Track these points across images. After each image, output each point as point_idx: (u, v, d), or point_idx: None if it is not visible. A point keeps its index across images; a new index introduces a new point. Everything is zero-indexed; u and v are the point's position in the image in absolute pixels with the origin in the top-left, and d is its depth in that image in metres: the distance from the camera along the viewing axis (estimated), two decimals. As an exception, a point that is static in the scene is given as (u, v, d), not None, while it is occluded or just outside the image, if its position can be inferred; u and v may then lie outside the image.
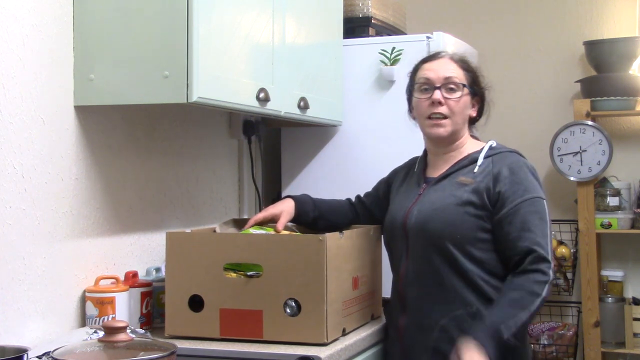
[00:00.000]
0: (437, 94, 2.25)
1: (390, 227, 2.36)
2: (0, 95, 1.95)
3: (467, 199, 2.18)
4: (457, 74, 2.28)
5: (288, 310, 2.15)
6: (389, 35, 3.13)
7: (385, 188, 2.52)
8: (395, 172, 2.52)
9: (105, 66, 2.14)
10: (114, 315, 2.17)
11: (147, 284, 2.34)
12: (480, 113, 2.37)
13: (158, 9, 2.08)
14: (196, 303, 2.20)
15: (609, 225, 3.71)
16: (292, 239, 2.25)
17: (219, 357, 2.05)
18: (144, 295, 2.31)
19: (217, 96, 2.16)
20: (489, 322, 2.05)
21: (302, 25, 2.67)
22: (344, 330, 2.25)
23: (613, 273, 3.83)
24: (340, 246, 2.23)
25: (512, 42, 4.06)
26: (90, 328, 2.04)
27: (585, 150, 3.69)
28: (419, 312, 2.24)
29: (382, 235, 2.45)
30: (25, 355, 1.63)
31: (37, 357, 1.81)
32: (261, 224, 2.42)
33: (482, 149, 2.29)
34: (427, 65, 2.32)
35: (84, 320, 2.20)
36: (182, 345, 2.05)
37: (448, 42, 2.87)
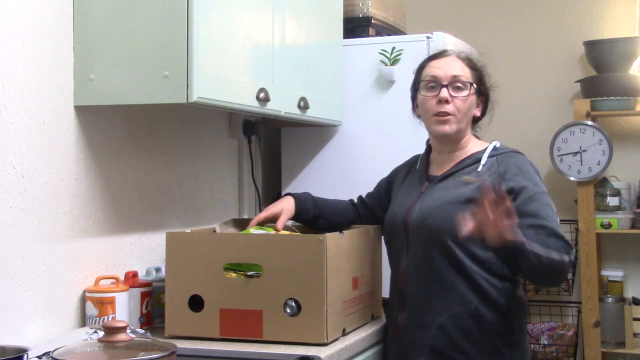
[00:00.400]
0: (444, 92, 2.24)
1: (390, 223, 2.36)
2: (0, 95, 1.95)
3: (469, 197, 2.17)
4: (464, 73, 2.27)
5: (288, 310, 2.15)
6: (389, 35, 3.13)
7: (387, 187, 2.52)
8: (396, 171, 2.52)
9: (105, 66, 2.14)
10: (114, 315, 2.17)
11: (147, 284, 2.34)
12: (483, 113, 2.36)
13: (158, 9, 2.08)
14: (196, 303, 2.20)
15: (609, 225, 3.71)
16: (292, 239, 2.25)
17: (219, 357, 2.05)
18: (144, 295, 2.31)
19: (217, 96, 2.16)
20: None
21: (302, 25, 2.67)
22: (344, 330, 2.25)
23: (613, 273, 3.84)
24: (340, 246, 2.23)
25: (512, 42, 4.07)
26: (90, 328, 2.04)
27: (585, 150, 3.69)
28: (418, 309, 2.24)
29: (383, 233, 2.44)
30: (25, 355, 1.63)
31: (37, 357, 1.81)
32: (262, 223, 2.42)
33: (486, 148, 2.29)
34: (434, 63, 2.31)
35: (84, 320, 2.20)
36: (182, 345, 2.05)
37: (448, 42, 2.87)
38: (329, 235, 2.15)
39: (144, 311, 2.31)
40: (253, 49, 2.35)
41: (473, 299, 2.17)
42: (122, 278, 2.28)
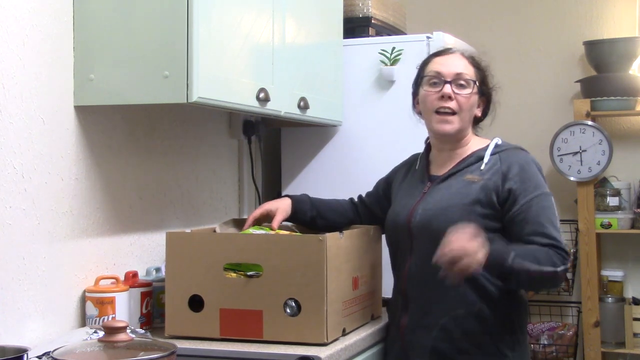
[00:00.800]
0: (448, 88, 2.22)
1: (393, 225, 2.35)
2: (0, 95, 1.95)
3: (474, 198, 2.17)
4: (468, 71, 2.26)
5: (288, 310, 2.15)
6: (389, 35, 3.13)
7: (386, 186, 2.51)
8: (395, 170, 2.51)
9: (105, 66, 2.14)
10: (114, 315, 2.17)
11: (147, 284, 2.34)
12: (485, 113, 2.35)
13: (158, 9, 2.08)
14: (196, 303, 2.20)
15: (609, 225, 3.71)
16: (292, 239, 2.25)
17: (219, 357, 2.05)
18: (144, 295, 2.31)
19: (217, 96, 2.16)
20: (501, 244, 2.07)
21: (302, 25, 2.67)
22: (344, 330, 2.25)
23: (613, 273, 3.84)
24: (340, 246, 2.23)
25: (512, 42, 4.07)
26: (90, 328, 2.04)
27: (585, 150, 3.69)
28: (420, 311, 2.23)
29: (384, 233, 2.43)
30: (25, 355, 1.63)
31: (37, 357, 1.81)
32: (259, 221, 2.42)
33: (488, 146, 2.27)
34: (438, 59, 2.30)
35: (84, 320, 2.20)
36: (182, 345, 2.05)
37: (448, 42, 2.87)
38: (329, 235, 2.15)
39: (144, 311, 2.31)
40: (253, 49, 2.35)
41: (476, 301, 2.16)
42: (122, 278, 2.28)
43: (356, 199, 2.60)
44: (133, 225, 2.44)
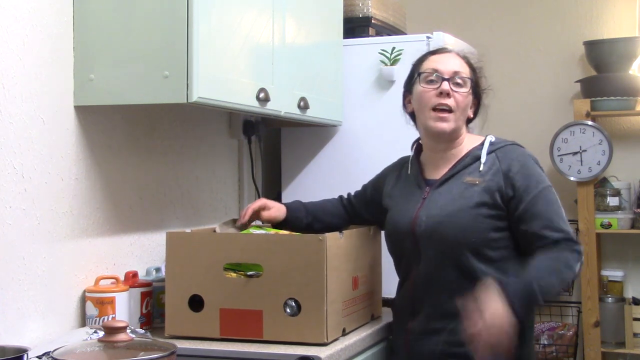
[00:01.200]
0: (446, 85, 2.20)
1: (394, 233, 2.31)
2: (0, 95, 1.95)
3: (479, 201, 2.15)
4: (465, 70, 2.25)
5: (288, 310, 2.15)
6: (389, 35, 3.13)
7: (374, 191, 2.47)
8: (383, 175, 2.47)
9: (105, 66, 2.14)
10: (114, 315, 2.17)
11: (147, 284, 2.34)
12: (475, 114, 2.34)
13: (158, 9, 2.08)
14: (196, 303, 2.20)
15: (609, 225, 3.71)
16: (292, 239, 2.25)
17: (219, 357, 2.05)
18: (144, 295, 2.31)
19: (217, 96, 2.16)
20: (522, 280, 2.05)
21: (302, 25, 2.67)
22: (344, 330, 2.25)
23: (613, 273, 3.83)
24: (340, 246, 2.23)
25: (512, 42, 4.06)
26: (90, 328, 2.04)
27: (585, 150, 3.69)
28: (429, 316, 2.21)
29: (386, 240, 2.39)
30: (25, 355, 1.63)
31: (37, 357, 1.81)
32: (257, 214, 2.41)
33: (482, 144, 2.25)
34: (434, 57, 2.28)
35: (84, 320, 2.20)
36: (182, 345, 2.05)
37: (448, 42, 2.87)
38: (329, 235, 2.15)
39: (144, 311, 2.31)
40: (253, 49, 2.35)
41: None
42: (122, 278, 2.28)
43: (345, 197, 2.57)
44: (133, 225, 2.44)
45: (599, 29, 3.95)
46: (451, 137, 2.26)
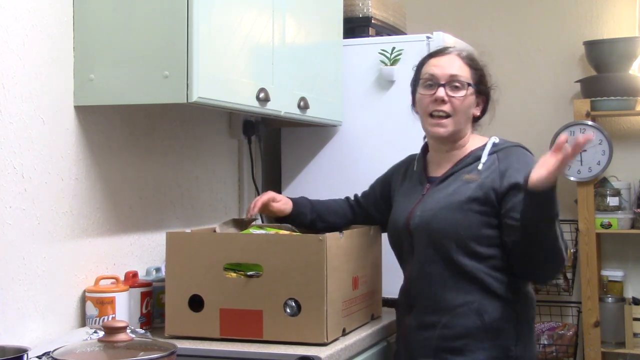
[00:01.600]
0: (441, 92, 2.21)
1: (393, 228, 2.34)
2: (0, 95, 1.95)
3: (471, 196, 2.16)
4: (463, 72, 2.24)
5: (288, 310, 2.15)
6: (389, 35, 3.13)
7: (383, 188, 2.50)
8: (392, 171, 2.50)
9: (105, 66, 2.14)
10: (114, 315, 2.17)
11: (147, 284, 2.34)
12: (483, 112, 2.33)
13: (158, 9, 2.08)
14: (196, 303, 2.20)
15: (609, 225, 3.71)
16: (292, 239, 2.25)
17: (219, 357, 2.05)
18: (144, 295, 2.31)
19: (217, 96, 2.16)
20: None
21: (302, 25, 2.67)
22: (344, 330, 2.25)
23: (613, 273, 3.84)
24: (340, 246, 2.23)
25: (512, 42, 4.06)
26: (90, 328, 2.04)
27: (585, 150, 3.68)
28: (423, 310, 2.23)
29: (388, 237, 2.41)
30: (25, 355, 1.63)
31: (37, 357, 1.81)
32: (266, 207, 2.42)
33: (485, 145, 2.26)
34: (433, 61, 2.29)
35: (84, 320, 2.20)
36: (182, 345, 2.05)
37: (448, 42, 2.87)
38: (329, 235, 2.15)
39: (144, 311, 2.31)
40: (253, 49, 2.35)
41: (477, 297, 2.16)
42: (122, 278, 2.28)
43: (352, 198, 2.59)
44: (133, 225, 2.44)
45: (599, 29, 3.95)
46: (452, 140, 2.27)
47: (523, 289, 2.24)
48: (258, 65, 2.38)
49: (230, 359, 2.04)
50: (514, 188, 2.14)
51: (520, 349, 2.19)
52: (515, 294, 2.19)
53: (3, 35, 1.96)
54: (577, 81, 3.84)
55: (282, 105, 2.51)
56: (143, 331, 2.11)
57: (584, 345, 3.68)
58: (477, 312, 2.16)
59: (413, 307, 2.26)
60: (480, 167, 2.22)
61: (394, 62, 2.87)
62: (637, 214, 3.71)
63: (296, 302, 2.14)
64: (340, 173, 2.96)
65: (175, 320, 2.21)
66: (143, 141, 2.49)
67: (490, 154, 2.24)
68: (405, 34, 3.27)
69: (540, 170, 2.00)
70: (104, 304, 2.17)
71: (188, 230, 2.40)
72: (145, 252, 2.50)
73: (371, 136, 2.93)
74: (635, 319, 3.69)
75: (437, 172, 2.31)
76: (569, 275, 3.83)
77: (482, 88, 2.29)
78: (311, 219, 2.49)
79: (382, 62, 2.89)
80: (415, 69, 2.36)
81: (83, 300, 2.21)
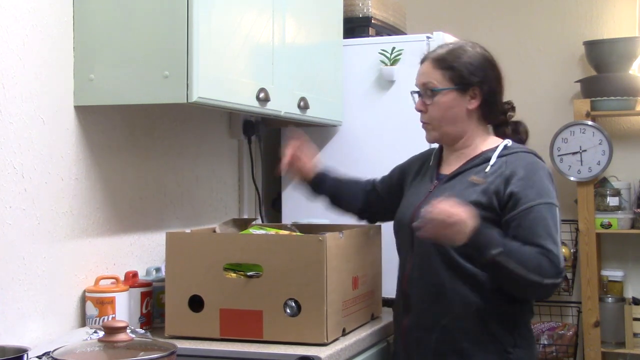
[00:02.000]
0: (418, 102, 2.26)
1: (398, 224, 2.32)
2: (0, 95, 1.95)
3: (474, 200, 2.12)
4: (433, 77, 2.22)
5: (288, 311, 2.15)
6: (389, 35, 3.13)
7: (400, 175, 2.47)
8: (410, 162, 2.47)
9: (105, 66, 2.14)
10: (114, 315, 2.17)
11: (147, 284, 2.34)
12: (486, 102, 2.24)
13: (158, 9, 2.08)
14: (196, 303, 2.20)
15: (609, 225, 3.71)
16: (292, 239, 2.25)
17: (219, 357, 2.05)
18: (144, 295, 2.31)
19: (217, 96, 2.16)
20: (497, 234, 2.04)
21: (302, 25, 2.67)
22: (344, 330, 2.25)
23: (613, 273, 3.83)
24: (340, 246, 2.23)
25: (512, 42, 4.06)
26: (90, 328, 2.04)
27: (585, 150, 3.69)
28: (421, 312, 2.21)
29: (393, 225, 2.37)
30: (25, 355, 1.63)
31: (37, 357, 1.81)
32: (295, 162, 2.42)
33: (497, 147, 2.22)
34: (418, 69, 2.31)
35: (84, 320, 2.20)
36: (182, 345, 2.05)
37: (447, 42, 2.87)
38: (328, 235, 2.16)
39: (144, 311, 2.31)
40: (253, 49, 2.35)
41: (475, 300, 2.14)
42: (122, 278, 2.28)
43: (371, 183, 2.57)
44: (133, 225, 2.45)
45: (599, 29, 3.95)
46: (448, 142, 2.26)
47: None
48: (258, 65, 2.39)
49: (230, 359, 2.04)
50: (512, 198, 2.11)
51: (519, 352, 2.18)
52: (514, 297, 2.18)
53: (3, 35, 1.96)
54: (577, 81, 3.84)
55: (282, 105, 2.51)
56: (143, 331, 2.11)
57: (584, 345, 3.68)
58: (476, 315, 2.14)
59: (410, 308, 2.25)
60: (488, 169, 2.18)
61: (394, 62, 2.87)
62: (637, 214, 3.71)
63: (296, 302, 2.14)
64: (340, 173, 2.95)
65: (175, 320, 2.21)
66: (143, 141, 2.49)
67: (499, 156, 2.19)
68: (405, 34, 3.27)
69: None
70: (104, 304, 2.17)
71: (188, 230, 2.40)
72: (145, 252, 2.50)
73: (371, 136, 2.94)
74: (635, 319, 3.69)
75: (448, 169, 2.28)
76: (569, 275, 3.82)
77: (463, 82, 2.22)
78: (324, 194, 2.51)
79: (382, 62, 2.89)
80: None
81: (83, 300, 2.21)
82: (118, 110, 2.35)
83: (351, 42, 2.98)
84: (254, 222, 2.51)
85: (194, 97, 2.05)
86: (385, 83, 2.90)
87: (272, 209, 3.22)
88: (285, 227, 2.46)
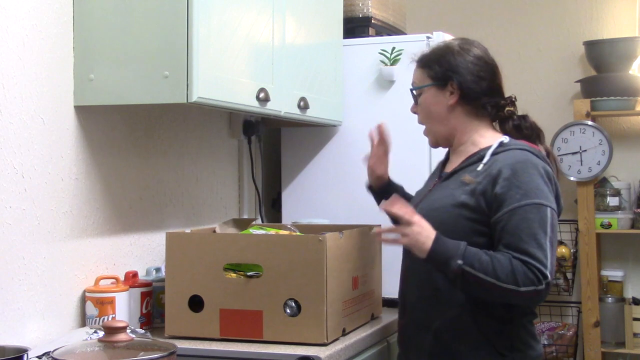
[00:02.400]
0: (412, 106, 2.26)
1: None
2: (0, 95, 1.95)
3: (462, 201, 2.07)
4: (416, 77, 2.24)
5: (288, 311, 2.15)
6: (389, 35, 3.13)
7: None
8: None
9: (105, 66, 2.14)
10: (114, 315, 2.17)
11: (147, 284, 2.34)
12: (468, 98, 2.16)
13: (158, 9, 2.08)
14: (196, 303, 2.20)
15: (609, 225, 3.71)
16: (292, 239, 2.25)
17: (219, 357, 2.05)
18: (144, 295, 2.31)
19: (217, 96, 2.16)
20: (461, 244, 1.99)
21: (302, 25, 2.67)
22: (344, 330, 2.25)
23: (613, 273, 3.84)
24: (340, 246, 2.23)
25: (512, 42, 4.07)
26: (90, 328, 2.04)
27: (585, 150, 3.69)
28: (415, 313, 2.19)
29: None
30: (25, 355, 1.63)
31: (37, 357, 1.81)
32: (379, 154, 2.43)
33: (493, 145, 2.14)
34: None
35: (84, 320, 2.20)
36: (182, 345, 2.05)
37: (448, 42, 2.87)
38: (328, 235, 2.15)
39: (144, 311, 2.31)
40: (253, 49, 2.35)
41: (469, 302, 2.10)
42: (122, 278, 2.28)
43: None
44: (133, 225, 2.45)
45: (599, 29, 3.95)
46: (445, 143, 2.24)
47: None
48: (258, 65, 2.39)
49: (230, 359, 2.04)
50: (496, 199, 2.03)
51: (517, 355, 2.15)
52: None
53: (3, 35, 1.96)
54: (577, 81, 3.84)
55: (282, 105, 2.51)
56: (143, 331, 2.11)
57: (584, 345, 3.68)
58: (469, 318, 2.10)
59: (406, 309, 2.22)
60: (479, 167, 2.10)
61: (394, 62, 2.87)
62: (637, 214, 3.71)
63: (296, 302, 2.14)
64: (340, 173, 2.96)
65: (175, 320, 2.21)
66: (143, 141, 2.49)
67: (493, 154, 2.11)
68: (405, 34, 3.27)
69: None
70: (104, 304, 2.17)
71: (188, 230, 2.40)
72: (145, 252, 2.50)
73: (371, 136, 2.93)
74: (635, 319, 3.70)
75: (449, 168, 2.23)
76: (569, 275, 3.83)
77: (439, 77, 2.17)
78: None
79: (382, 62, 2.89)
80: None
81: (83, 300, 2.21)
82: (118, 110, 2.35)
83: (351, 42, 2.98)
84: (254, 222, 2.51)
85: (194, 97, 2.05)
86: (385, 83, 2.90)
87: (272, 209, 3.22)
88: (285, 227, 2.46)
